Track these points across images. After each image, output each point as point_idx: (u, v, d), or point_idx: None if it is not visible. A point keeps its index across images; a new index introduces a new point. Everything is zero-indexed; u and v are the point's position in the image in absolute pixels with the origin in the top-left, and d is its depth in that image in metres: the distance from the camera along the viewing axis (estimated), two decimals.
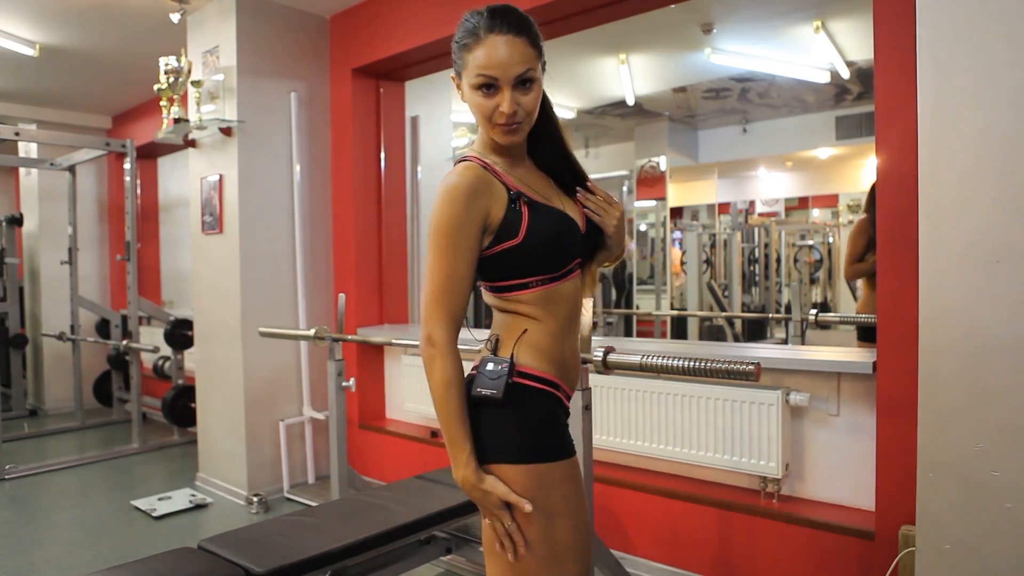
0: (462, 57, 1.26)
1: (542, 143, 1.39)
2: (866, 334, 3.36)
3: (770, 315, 6.38)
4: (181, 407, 4.72)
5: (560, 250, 1.30)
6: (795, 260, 6.74)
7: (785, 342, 4.28)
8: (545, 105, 1.35)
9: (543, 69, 1.29)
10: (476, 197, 1.23)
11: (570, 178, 1.41)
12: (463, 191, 1.22)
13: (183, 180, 5.17)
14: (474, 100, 1.26)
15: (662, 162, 7.05)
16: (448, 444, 1.25)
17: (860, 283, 3.42)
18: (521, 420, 1.26)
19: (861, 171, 6.73)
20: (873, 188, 3.07)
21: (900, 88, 2.04)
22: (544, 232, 1.26)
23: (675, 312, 6.59)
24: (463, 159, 1.30)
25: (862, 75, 5.14)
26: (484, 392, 1.25)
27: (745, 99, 6.25)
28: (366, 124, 3.90)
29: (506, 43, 1.20)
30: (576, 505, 1.29)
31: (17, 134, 4.53)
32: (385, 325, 3.95)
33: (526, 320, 1.30)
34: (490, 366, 1.27)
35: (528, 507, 1.22)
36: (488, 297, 1.35)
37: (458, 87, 1.31)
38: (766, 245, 6.76)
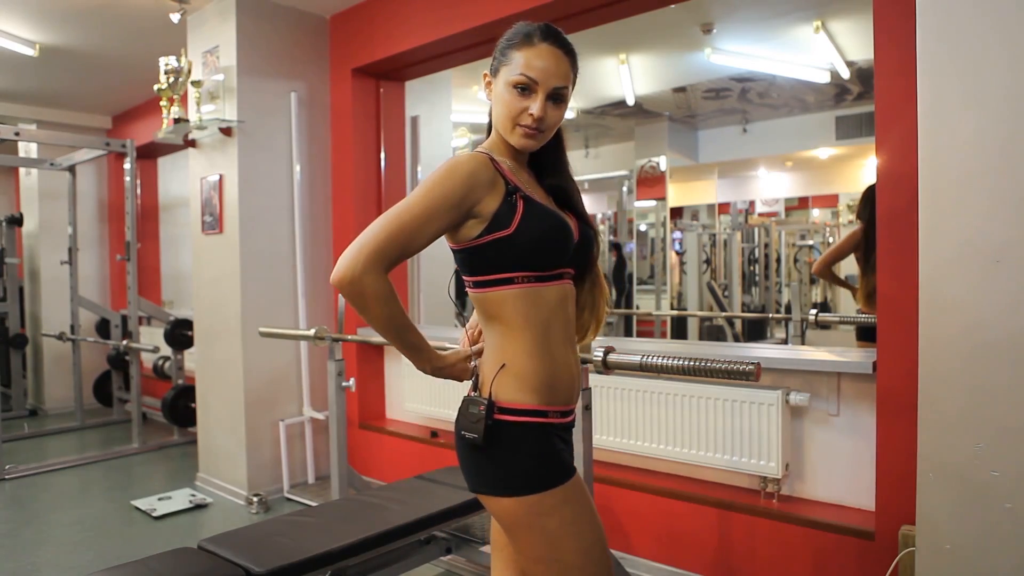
0: (508, 54, 1.30)
1: (549, 164, 1.40)
2: (864, 333, 3.37)
3: (770, 315, 6.38)
4: (181, 407, 4.72)
5: (550, 248, 1.28)
6: (795, 260, 6.75)
7: (785, 342, 4.28)
8: (560, 133, 1.40)
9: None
10: (473, 187, 1.23)
11: (567, 203, 1.40)
12: (464, 174, 1.23)
13: (183, 180, 5.17)
14: (505, 97, 1.29)
15: (662, 162, 7.05)
16: (409, 351, 1.33)
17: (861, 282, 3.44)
18: (505, 457, 1.26)
19: (861, 171, 6.74)
20: (866, 195, 3.09)
21: (900, 88, 2.04)
22: (536, 226, 1.26)
23: (675, 312, 6.59)
24: (474, 152, 1.31)
25: (862, 75, 5.14)
26: (467, 436, 1.27)
27: (745, 99, 6.25)
28: (366, 124, 3.89)
29: (555, 55, 1.28)
30: (581, 527, 1.27)
31: (17, 134, 4.53)
32: None
33: (507, 333, 1.28)
34: (472, 408, 1.27)
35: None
36: (474, 297, 1.32)
37: (488, 84, 1.35)
38: (766, 245, 6.76)
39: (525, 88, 1.26)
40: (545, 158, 1.40)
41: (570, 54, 1.30)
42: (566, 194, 1.40)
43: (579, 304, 1.41)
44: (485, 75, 1.36)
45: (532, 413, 1.26)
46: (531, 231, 1.25)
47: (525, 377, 1.26)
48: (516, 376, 1.26)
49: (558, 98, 1.29)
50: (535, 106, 1.26)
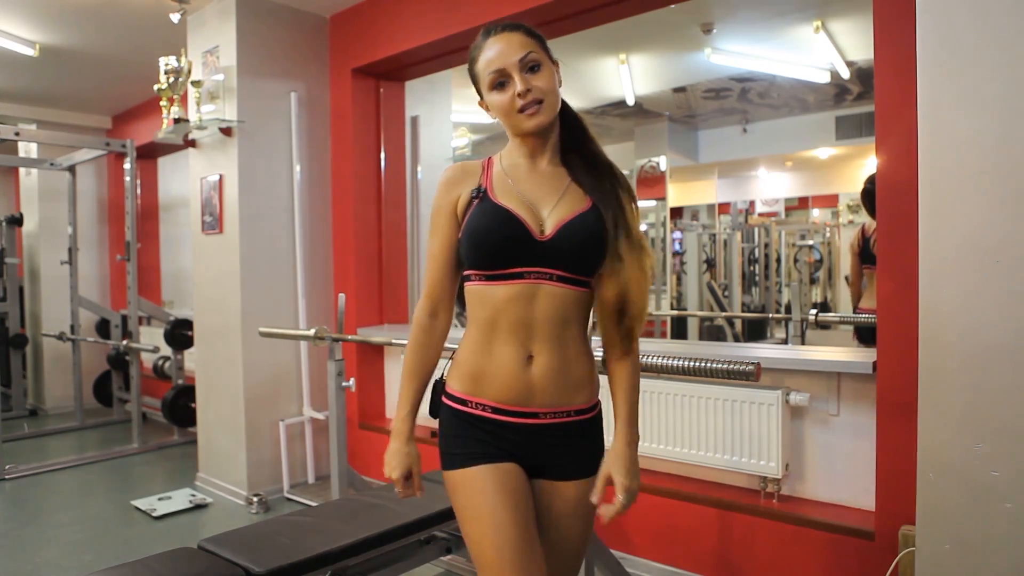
0: (474, 72, 1.35)
1: (567, 141, 1.39)
2: (864, 334, 3.37)
3: (770, 315, 6.38)
4: (181, 407, 4.72)
5: (489, 248, 1.29)
6: (795, 260, 6.75)
7: (785, 342, 4.28)
8: (576, 116, 1.40)
9: (556, 65, 1.34)
10: (452, 186, 1.36)
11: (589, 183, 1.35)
12: (443, 181, 1.38)
13: (183, 180, 5.17)
14: (495, 102, 1.32)
15: (662, 162, 7.05)
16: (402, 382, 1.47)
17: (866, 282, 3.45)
18: (440, 433, 1.44)
19: (861, 171, 6.73)
20: (865, 193, 3.11)
21: (900, 88, 2.04)
22: (475, 226, 1.31)
23: (675, 312, 6.59)
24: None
25: (862, 75, 5.14)
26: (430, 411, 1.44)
27: (745, 99, 6.25)
28: (366, 124, 3.89)
29: (503, 38, 1.31)
30: (469, 515, 1.33)
31: (17, 134, 4.53)
32: (385, 325, 3.95)
33: (467, 324, 1.38)
34: (433, 385, 1.46)
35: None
36: None
37: (487, 109, 1.37)
38: (766, 245, 6.76)
39: (501, 83, 1.30)
40: (565, 137, 1.39)
41: (516, 28, 1.32)
42: (583, 168, 1.35)
43: (608, 294, 1.39)
44: (480, 103, 1.38)
45: (456, 400, 1.39)
46: (471, 231, 1.31)
47: (461, 366, 1.37)
48: (456, 364, 1.39)
49: (533, 66, 1.29)
50: (516, 85, 1.27)
